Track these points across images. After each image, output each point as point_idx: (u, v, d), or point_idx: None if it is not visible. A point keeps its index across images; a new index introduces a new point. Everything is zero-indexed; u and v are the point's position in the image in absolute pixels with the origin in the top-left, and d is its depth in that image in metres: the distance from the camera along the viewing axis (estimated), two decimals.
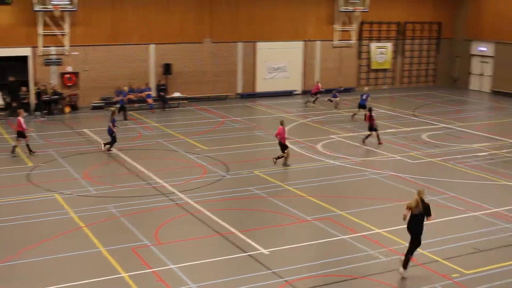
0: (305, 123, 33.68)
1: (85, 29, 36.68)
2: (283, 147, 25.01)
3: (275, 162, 25.00)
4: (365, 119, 29.24)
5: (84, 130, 30.99)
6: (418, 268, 15.66)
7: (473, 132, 31.85)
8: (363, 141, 28.79)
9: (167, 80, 38.45)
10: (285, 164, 24.96)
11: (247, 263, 15.90)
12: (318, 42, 43.66)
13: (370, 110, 28.95)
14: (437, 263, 15.90)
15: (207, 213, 19.41)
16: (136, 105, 36.97)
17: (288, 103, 39.70)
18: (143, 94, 36.99)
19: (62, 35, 36.00)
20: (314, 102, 39.16)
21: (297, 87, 43.49)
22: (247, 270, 15.44)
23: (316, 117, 34.98)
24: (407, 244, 15.28)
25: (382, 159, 26.17)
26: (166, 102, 37.38)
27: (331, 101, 38.59)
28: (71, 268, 15.53)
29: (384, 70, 46.62)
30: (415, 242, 15.20)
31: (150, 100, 36.81)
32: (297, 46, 43.06)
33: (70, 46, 36.32)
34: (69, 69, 36.51)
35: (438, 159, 26.27)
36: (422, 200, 15.01)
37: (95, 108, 36.61)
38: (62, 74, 36.28)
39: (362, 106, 33.83)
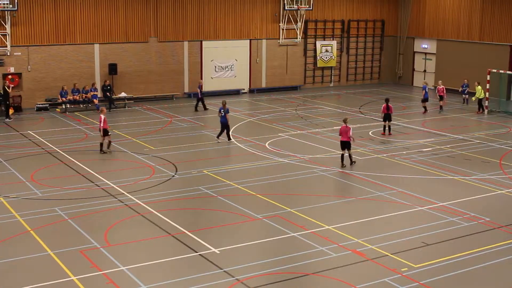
0: (253, 121, 33.76)
1: (27, 29, 36.02)
2: (344, 145, 24.64)
3: (351, 164, 24.80)
4: (386, 110, 30.32)
5: (29, 131, 30.43)
6: (367, 263, 15.86)
7: (417, 128, 32.42)
8: (387, 133, 30.40)
9: (113, 80, 38.05)
10: (351, 162, 24.84)
11: (198, 262, 15.86)
12: (264, 41, 43.81)
13: (387, 100, 30.42)
14: (386, 258, 16.12)
15: (157, 213, 19.29)
16: (81, 105, 36.50)
17: (235, 102, 39.72)
18: (89, 95, 36.51)
19: (3, 35, 35.27)
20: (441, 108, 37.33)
21: (244, 85, 43.57)
22: (199, 269, 15.39)
23: (263, 115, 35.10)
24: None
25: (330, 156, 26.39)
26: (112, 102, 36.99)
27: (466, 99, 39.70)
28: (19, 272, 15.23)
29: (330, 68, 47.07)
30: None
31: (96, 101, 36.36)
32: (243, 45, 43.12)
33: (12, 46, 35.63)
34: (12, 70, 35.81)
35: (384, 155, 26.65)
36: None
37: (39, 109, 35.97)
38: (4, 75, 35.53)
39: (425, 99, 36.75)
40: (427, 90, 37.03)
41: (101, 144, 26.62)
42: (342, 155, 24.69)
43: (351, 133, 24.42)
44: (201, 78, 41.58)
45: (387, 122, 30.39)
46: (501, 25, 41.82)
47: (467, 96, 39.39)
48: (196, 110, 36.55)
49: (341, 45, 47.20)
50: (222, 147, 27.96)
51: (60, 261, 15.76)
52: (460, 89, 40.39)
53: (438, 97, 37.18)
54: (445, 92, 37.32)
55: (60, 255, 16.12)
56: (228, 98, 40.15)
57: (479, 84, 36.64)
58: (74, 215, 19.07)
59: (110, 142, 26.84)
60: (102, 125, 26.19)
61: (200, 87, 36.89)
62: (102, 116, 26.35)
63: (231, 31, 42.42)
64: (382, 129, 30.65)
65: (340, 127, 25.11)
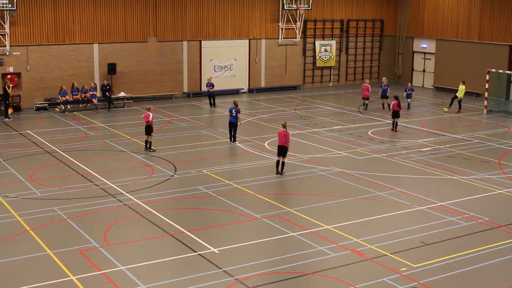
0: (252, 121, 33.75)
1: (26, 29, 35.98)
2: (280, 151, 23.42)
3: (280, 173, 23.49)
4: (397, 107, 31.10)
5: (28, 131, 30.41)
6: (367, 263, 15.86)
7: (417, 127, 32.41)
8: (395, 129, 31.22)
9: (112, 79, 38.04)
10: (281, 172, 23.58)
11: (197, 262, 15.85)
12: (263, 40, 43.79)
13: (397, 98, 31.63)
14: (385, 257, 16.12)
15: (156, 213, 19.28)
16: (81, 105, 36.47)
17: None
18: (88, 94, 36.48)
19: (2, 35, 35.24)
20: (366, 107, 37.17)
21: (244, 85, 43.56)
22: (198, 269, 15.39)
23: (263, 115, 35.09)
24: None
25: (329, 155, 26.41)
26: (111, 102, 36.96)
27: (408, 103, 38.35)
28: (18, 272, 15.22)
29: (329, 67, 47.06)
30: None
31: (95, 100, 36.33)
32: (243, 45, 43.11)
33: (11, 46, 35.60)
34: (11, 69, 35.78)
35: (383, 155, 26.65)
36: None
37: (38, 109, 35.95)
38: (4, 75, 35.50)
39: (384, 96, 37.33)
40: (384, 87, 37.10)
41: (150, 142, 26.90)
42: (278, 161, 23.61)
43: (289, 139, 23.45)
44: (200, 78, 41.56)
45: (395, 118, 31.07)
46: (500, 25, 41.83)
47: (409, 100, 37.85)
48: (214, 106, 37.79)
49: (340, 45, 47.19)
50: (221, 147, 27.96)
51: (59, 261, 15.75)
52: (404, 93, 38.22)
53: (362, 97, 36.78)
54: (370, 91, 37.04)
55: (59, 255, 16.11)
56: (227, 98, 40.22)
57: (463, 83, 36.73)
58: (73, 215, 19.07)
59: (150, 142, 26.98)
60: (151, 121, 26.49)
61: (211, 85, 37.91)
62: (151, 114, 26.54)
63: (230, 30, 42.40)
64: (391, 125, 31.36)
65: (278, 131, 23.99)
